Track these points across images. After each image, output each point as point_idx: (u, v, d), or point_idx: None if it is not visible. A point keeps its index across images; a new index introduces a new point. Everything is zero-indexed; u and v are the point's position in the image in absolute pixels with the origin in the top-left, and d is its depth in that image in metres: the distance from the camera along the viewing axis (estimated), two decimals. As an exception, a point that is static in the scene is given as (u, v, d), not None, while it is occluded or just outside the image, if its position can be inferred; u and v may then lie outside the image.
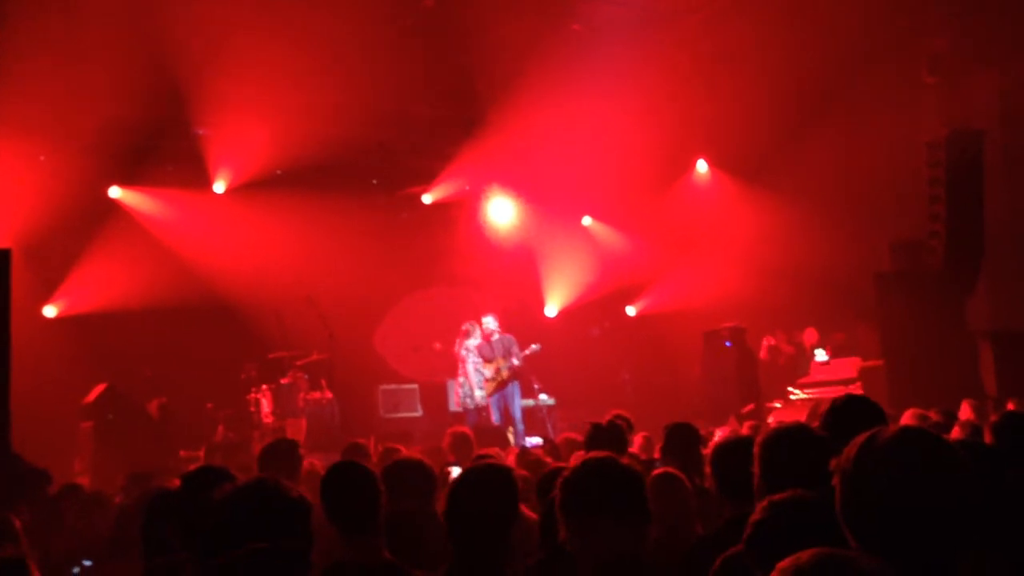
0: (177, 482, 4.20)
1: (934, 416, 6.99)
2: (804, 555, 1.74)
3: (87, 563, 4.91)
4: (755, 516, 2.58)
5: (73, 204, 13.08)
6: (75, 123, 12.71)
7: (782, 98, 13.80)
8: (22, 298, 9.03)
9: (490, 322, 13.60)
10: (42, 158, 12.88)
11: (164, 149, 14.31)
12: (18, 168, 11.32)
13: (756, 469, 3.09)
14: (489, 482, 3.30)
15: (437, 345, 14.28)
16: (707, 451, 4.62)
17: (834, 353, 14.78)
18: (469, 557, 3.20)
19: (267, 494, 2.33)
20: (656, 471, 4.48)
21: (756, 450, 3.12)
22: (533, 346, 13.55)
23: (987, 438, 4.77)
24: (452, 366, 14.15)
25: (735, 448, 3.55)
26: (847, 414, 3.43)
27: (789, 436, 3.11)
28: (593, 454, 2.90)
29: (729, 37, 13.39)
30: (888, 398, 11.47)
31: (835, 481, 1.91)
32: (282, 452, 5.48)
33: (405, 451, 6.33)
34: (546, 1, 12.78)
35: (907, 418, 6.77)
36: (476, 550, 3.19)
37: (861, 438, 1.91)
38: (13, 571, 3.06)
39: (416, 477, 4.13)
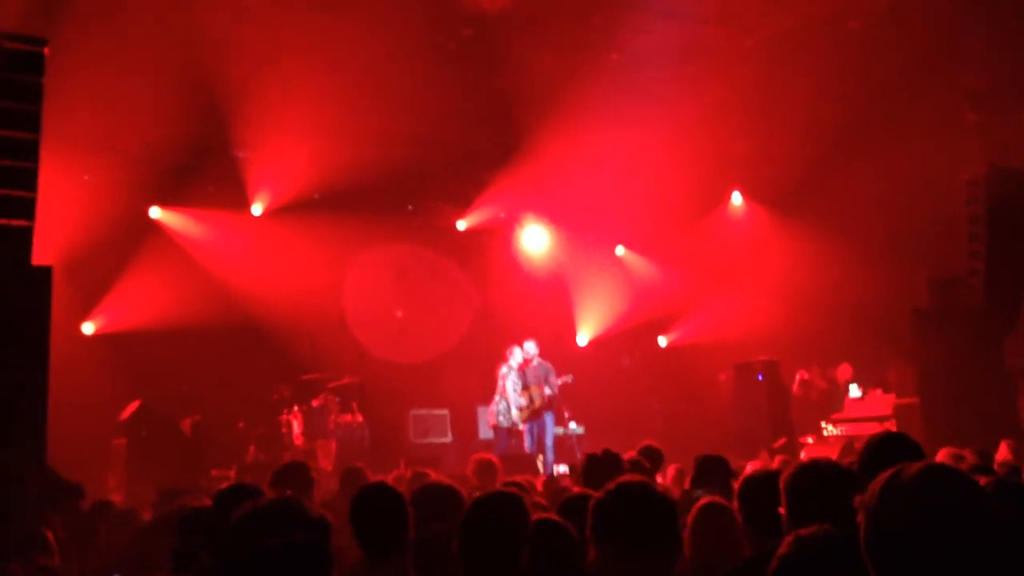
0: (207, 501, 4.23)
1: (970, 456, 6.88)
2: None
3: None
4: (781, 550, 2.56)
5: (114, 223, 13.30)
6: (119, 143, 12.95)
7: (820, 131, 13.76)
8: (62, 314, 9.15)
9: (530, 347, 13.62)
10: (86, 177, 13.11)
11: (205, 171, 14.53)
12: (62, 186, 11.51)
13: (783, 503, 3.07)
14: (499, 509, 3.31)
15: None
16: (737, 484, 4.59)
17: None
18: None
19: (287, 513, 2.35)
20: (703, 500, 4.46)
21: (782, 485, 3.10)
22: (566, 377, 13.56)
23: (1024, 479, 4.69)
24: (487, 391, 14.11)
25: (764, 482, 3.51)
26: (884, 451, 3.38)
27: (816, 471, 3.09)
28: (626, 479, 2.90)
29: (768, 70, 13.38)
30: (923, 436, 11.29)
31: (859, 517, 1.90)
32: (295, 473, 5.55)
33: (434, 475, 6.35)
34: (586, 30, 12.85)
35: (941, 458, 6.67)
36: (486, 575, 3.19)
37: (886, 474, 1.89)
38: None
39: (445, 501, 4.14)
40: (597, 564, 2.79)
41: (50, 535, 4.28)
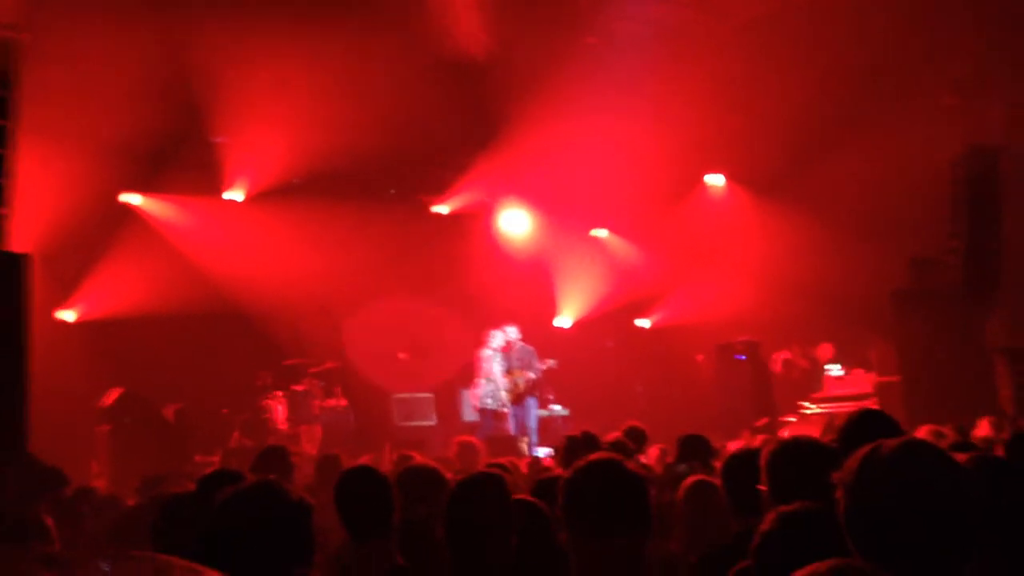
0: (191, 486, 4.22)
1: (950, 433, 6.95)
2: (821, 566, 1.76)
3: (105, 567, 4.92)
4: (763, 527, 2.58)
5: (92, 210, 13.23)
6: (95, 130, 12.83)
7: (801, 113, 13.76)
8: (40, 302, 9.10)
9: (512, 332, 13.67)
10: (62, 164, 12.99)
11: (182, 157, 14.44)
12: (38, 173, 11.42)
13: (763, 481, 3.09)
14: (483, 490, 3.32)
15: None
16: (719, 464, 4.63)
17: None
18: (467, 565, 3.21)
19: (268, 497, 2.36)
20: (692, 478, 4.49)
21: (763, 463, 3.12)
22: (549, 361, 13.62)
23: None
24: (468, 375, 14.13)
25: (746, 460, 3.54)
26: (863, 429, 3.41)
27: (796, 449, 3.11)
28: (597, 456, 2.91)
29: (747, 53, 13.38)
30: (904, 414, 11.41)
31: (837, 493, 1.92)
32: (274, 458, 5.60)
33: (419, 458, 6.37)
34: (563, 14, 12.81)
35: (921, 435, 6.73)
36: (474, 558, 3.20)
37: (864, 450, 1.92)
38: None
39: (429, 484, 4.15)
40: (570, 543, 2.81)
41: (49, 521, 4.24)
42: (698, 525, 4.19)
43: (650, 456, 7.82)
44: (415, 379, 15.07)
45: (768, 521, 2.60)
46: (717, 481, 4.39)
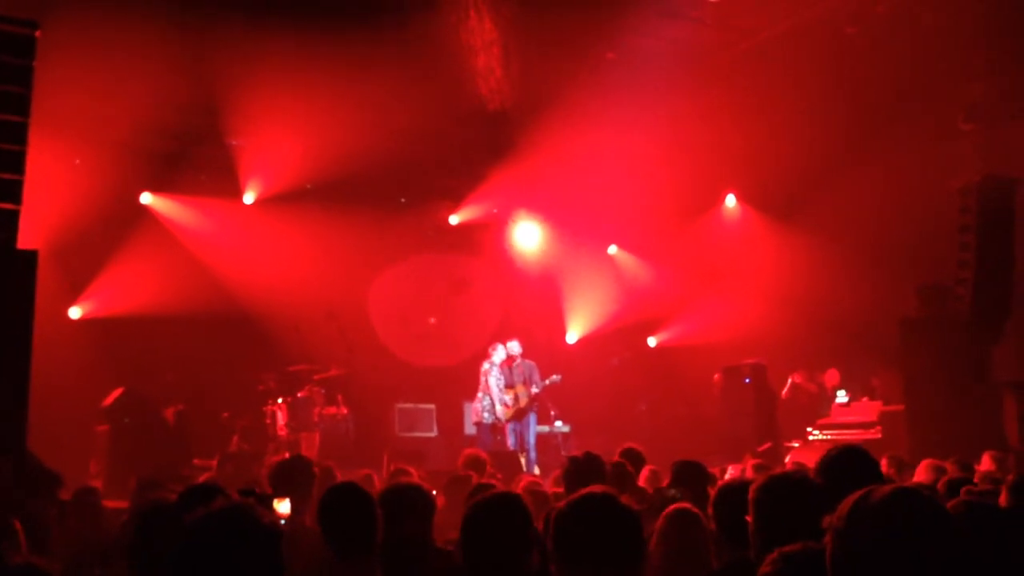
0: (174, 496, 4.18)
1: (951, 468, 6.87)
2: None
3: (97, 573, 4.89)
4: (764, 568, 2.49)
5: (104, 208, 13.25)
6: (111, 128, 12.88)
7: (815, 137, 13.73)
8: (49, 299, 9.10)
9: (514, 347, 13.62)
10: (77, 161, 13.05)
11: (197, 158, 14.48)
12: (52, 169, 11.46)
13: (751, 516, 3.04)
14: (498, 511, 3.24)
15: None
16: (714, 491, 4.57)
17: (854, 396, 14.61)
18: None
19: (237, 520, 2.33)
20: (671, 508, 4.43)
21: (751, 496, 3.07)
22: (554, 376, 13.55)
23: (1003, 497, 4.67)
24: (472, 387, 14.09)
25: (737, 491, 3.49)
26: (841, 466, 3.39)
27: (785, 485, 3.06)
28: (589, 490, 2.85)
29: (764, 75, 13.36)
30: (908, 444, 11.34)
31: (826, 538, 1.89)
32: (298, 470, 5.48)
33: (416, 474, 6.33)
34: (582, 28, 12.80)
35: (922, 469, 6.67)
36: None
37: (854, 496, 1.89)
38: None
39: (413, 503, 4.10)
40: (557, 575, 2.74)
41: (18, 525, 4.21)
42: (674, 555, 4.11)
43: (641, 478, 7.74)
44: (419, 388, 15.08)
45: (768, 562, 2.51)
46: (700, 511, 4.33)
